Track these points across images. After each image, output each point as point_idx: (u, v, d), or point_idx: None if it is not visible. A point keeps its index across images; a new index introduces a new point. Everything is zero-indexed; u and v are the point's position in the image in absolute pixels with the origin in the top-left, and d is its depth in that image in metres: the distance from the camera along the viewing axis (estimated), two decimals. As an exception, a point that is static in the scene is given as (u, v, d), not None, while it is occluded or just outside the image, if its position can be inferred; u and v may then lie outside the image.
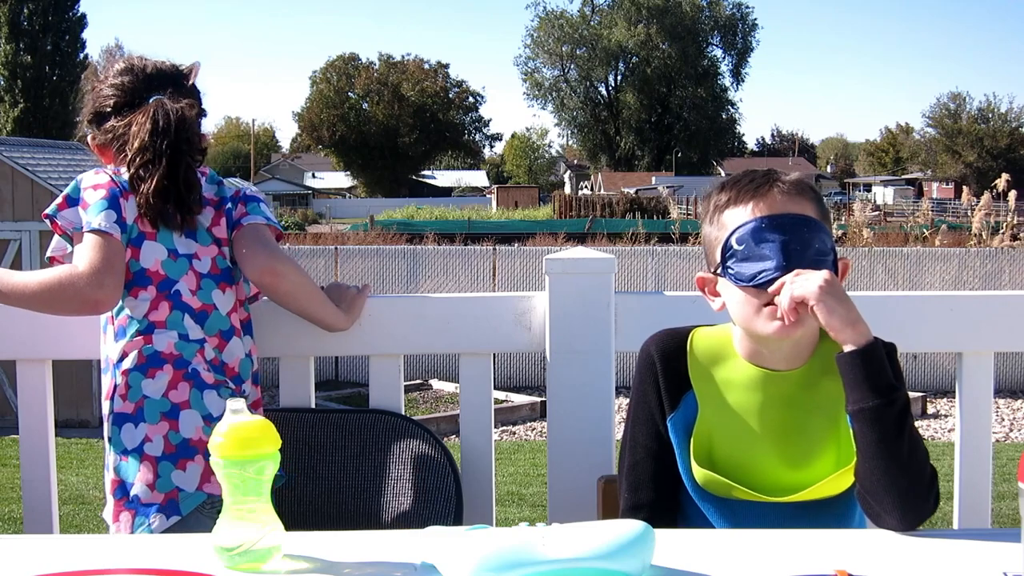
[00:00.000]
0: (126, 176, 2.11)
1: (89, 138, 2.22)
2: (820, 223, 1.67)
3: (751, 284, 1.64)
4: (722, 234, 1.69)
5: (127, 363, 2.07)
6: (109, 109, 2.18)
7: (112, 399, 2.08)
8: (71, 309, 2.02)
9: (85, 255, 2.00)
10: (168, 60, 2.26)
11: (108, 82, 2.19)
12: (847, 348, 1.58)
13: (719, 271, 1.71)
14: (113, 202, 2.06)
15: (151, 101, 2.14)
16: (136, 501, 2.03)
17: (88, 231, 2.03)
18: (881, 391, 1.56)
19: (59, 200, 2.10)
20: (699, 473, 1.71)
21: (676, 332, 1.81)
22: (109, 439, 2.09)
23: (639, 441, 1.78)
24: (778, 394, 1.71)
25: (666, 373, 1.76)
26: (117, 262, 2.02)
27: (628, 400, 1.85)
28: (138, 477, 2.04)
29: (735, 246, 1.66)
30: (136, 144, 2.09)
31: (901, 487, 1.55)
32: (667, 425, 1.75)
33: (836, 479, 1.67)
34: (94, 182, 2.10)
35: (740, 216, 1.68)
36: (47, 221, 2.10)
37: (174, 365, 2.07)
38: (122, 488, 2.05)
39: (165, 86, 2.17)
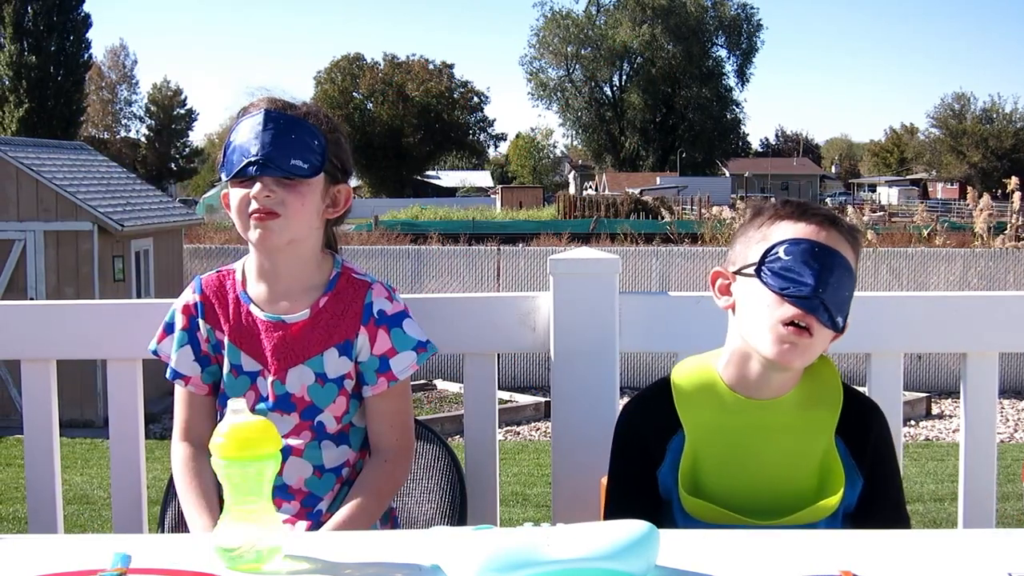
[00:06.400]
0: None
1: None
2: (854, 276, 1.73)
3: (780, 293, 1.67)
4: (771, 237, 1.72)
5: None
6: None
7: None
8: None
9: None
10: None
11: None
12: None
13: (747, 270, 1.73)
14: None
15: None
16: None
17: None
18: None
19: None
20: (688, 502, 1.72)
21: (643, 391, 1.86)
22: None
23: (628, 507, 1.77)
24: (763, 422, 1.74)
25: (645, 429, 1.79)
26: None
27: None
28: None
29: (782, 255, 1.69)
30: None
31: None
32: (657, 477, 1.76)
33: (823, 506, 1.70)
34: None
35: (798, 231, 1.71)
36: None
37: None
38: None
39: None
